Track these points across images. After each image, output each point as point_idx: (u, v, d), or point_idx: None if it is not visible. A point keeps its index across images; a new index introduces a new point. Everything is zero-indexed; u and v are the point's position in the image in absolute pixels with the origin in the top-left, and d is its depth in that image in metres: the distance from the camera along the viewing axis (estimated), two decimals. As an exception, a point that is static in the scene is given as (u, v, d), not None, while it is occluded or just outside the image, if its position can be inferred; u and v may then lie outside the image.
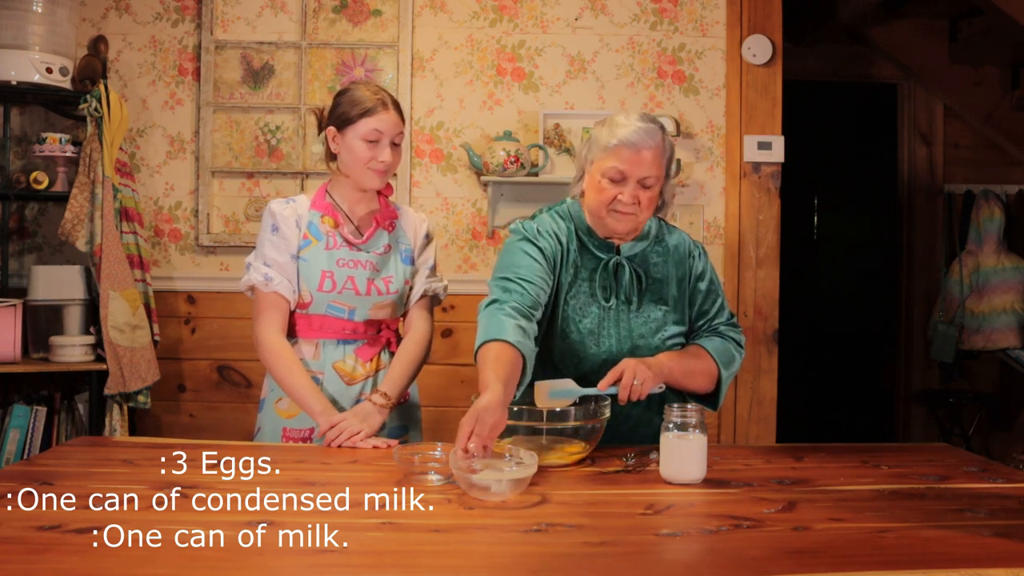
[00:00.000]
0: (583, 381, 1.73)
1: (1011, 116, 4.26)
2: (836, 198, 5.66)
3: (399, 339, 2.02)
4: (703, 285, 1.90)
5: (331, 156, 1.96)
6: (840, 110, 5.18)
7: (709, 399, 1.88)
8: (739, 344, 1.89)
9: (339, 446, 1.76)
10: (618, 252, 1.84)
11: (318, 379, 1.90)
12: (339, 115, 1.91)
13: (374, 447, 1.77)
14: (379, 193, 2.01)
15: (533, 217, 1.90)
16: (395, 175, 3.20)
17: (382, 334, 1.98)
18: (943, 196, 4.38)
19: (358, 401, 1.90)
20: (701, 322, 1.90)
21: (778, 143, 3.21)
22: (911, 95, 4.40)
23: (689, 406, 1.51)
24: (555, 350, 1.81)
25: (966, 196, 4.30)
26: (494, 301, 1.70)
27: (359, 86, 1.94)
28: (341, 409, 1.87)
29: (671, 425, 1.49)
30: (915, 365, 4.47)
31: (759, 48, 3.21)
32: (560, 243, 1.82)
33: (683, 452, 1.49)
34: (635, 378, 1.64)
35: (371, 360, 1.95)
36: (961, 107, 4.33)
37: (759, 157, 3.21)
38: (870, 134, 5.08)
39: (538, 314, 1.73)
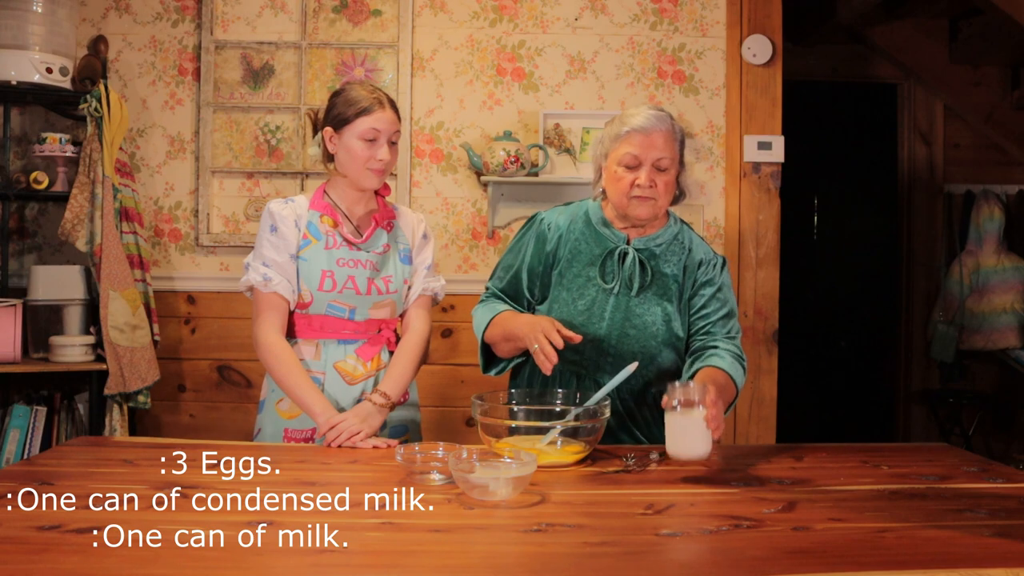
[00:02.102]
0: (566, 361, 1.80)
1: (1011, 116, 4.27)
2: (836, 198, 5.65)
3: (398, 338, 2.02)
4: (709, 290, 1.89)
5: (328, 157, 1.96)
6: (840, 110, 5.17)
7: None
8: (742, 358, 1.87)
9: (339, 446, 1.77)
10: (628, 243, 1.88)
11: (319, 379, 1.90)
12: (335, 115, 1.91)
13: (374, 447, 1.77)
14: (377, 193, 2.01)
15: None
16: (395, 175, 3.20)
17: (382, 333, 1.98)
18: (943, 196, 4.38)
19: (360, 401, 1.90)
20: (702, 324, 1.88)
21: (778, 143, 3.21)
22: (911, 95, 4.40)
23: (691, 383, 1.52)
24: None
25: (966, 196, 4.30)
26: (483, 301, 1.97)
27: (354, 86, 1.94)
28: (342, 409, 1.87)
29: (676, 403, 1.50)
30: (915, 365, 4.47)
31: (759, 48, 3.21)
32: (559, 231, 1.92)
33: (690, 429, 1.49)
34: (720, 417, 1.53)
35: (372, 359, 1.95)
36: (961, 107, 4.33)
37: (759, 157, 3.21)
38: (870, 134, 5.08)
39: (518, 298, 1.95)
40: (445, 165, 3.25)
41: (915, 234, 4.45)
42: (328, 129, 1.93)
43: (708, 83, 3.27)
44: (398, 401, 1.93)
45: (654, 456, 1.64)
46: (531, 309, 1.94)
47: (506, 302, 1.94)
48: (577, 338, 1.70)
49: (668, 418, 1.51)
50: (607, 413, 1.64)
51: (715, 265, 1.92)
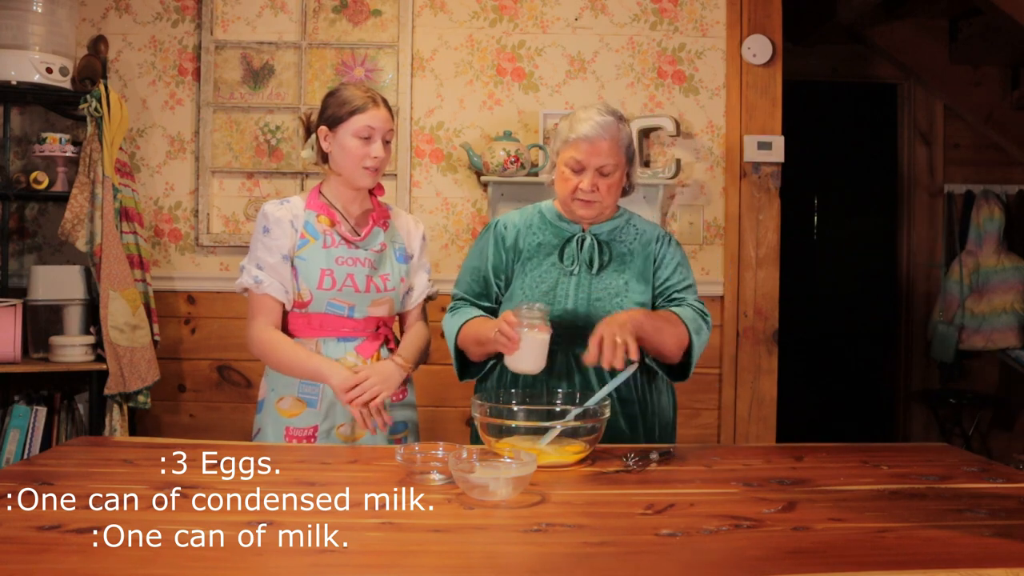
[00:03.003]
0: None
1: (1011, 116, 4.26)
2: (836, 198, 5.66)
3: (395, 338, 2.04)
4: (670, 264, 1.97)
5: (323, 157, 1.98)
6: (840, 110, 5.18)
7: (678, 370, 1.90)
8: (705, 315, 1.91)
9: (363, 405, 1.82)
10: (584, 231, 1.97)
11: None
12: (330, 115, 1.93)
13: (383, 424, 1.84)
14: (371, 193, 2.03)
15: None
16: (395, 175, 3.20)
17: (380, 331, 1.99)
18: (943, 196, 4.38)
19: None
20: (665, 295, 1.94)
21: (778, 143, 3.21)
22: (911, 95, 4.40)
23: (537, 305, 1.71)
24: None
25: (966, 196, 4.30)
26: (452, 308, 1.99)
27: (348, 86, 1.97)
28: (343, 409, 1.89)
29: (524, 322, 1.68)
30: (915, 365, 4.47)
31: (759, 48, 3.21)
32: (516, 228, 1.99)
33: (523, 346, 1.68)
34: (616, 338, 1.67)
35: (371, 356, 1.96)
36: (961, 107, 4.33)
37: (759, 157, 3.20)
38: (870, 134, 5.08)
39: (486, 300, 1.98)
40: (445, 165, 3.25)
41: (915, 234, 4.45)
42: (323, 128, 1.95)
43: (708, 83, 3.27)
44: (414, 368, 1.99)
45: (654, 456, 1.64)
46: (499, 303, 1.98)
47: (476, 306, 1.97)
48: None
49: (522, 335, 1.70)
50: (607, 413, 1.64)
51: (668, 241, 2.01)
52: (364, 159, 1.91)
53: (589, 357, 1.67)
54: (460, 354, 1.94)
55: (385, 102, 1.95)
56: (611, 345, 1.65)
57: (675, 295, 1.94)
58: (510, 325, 1.70)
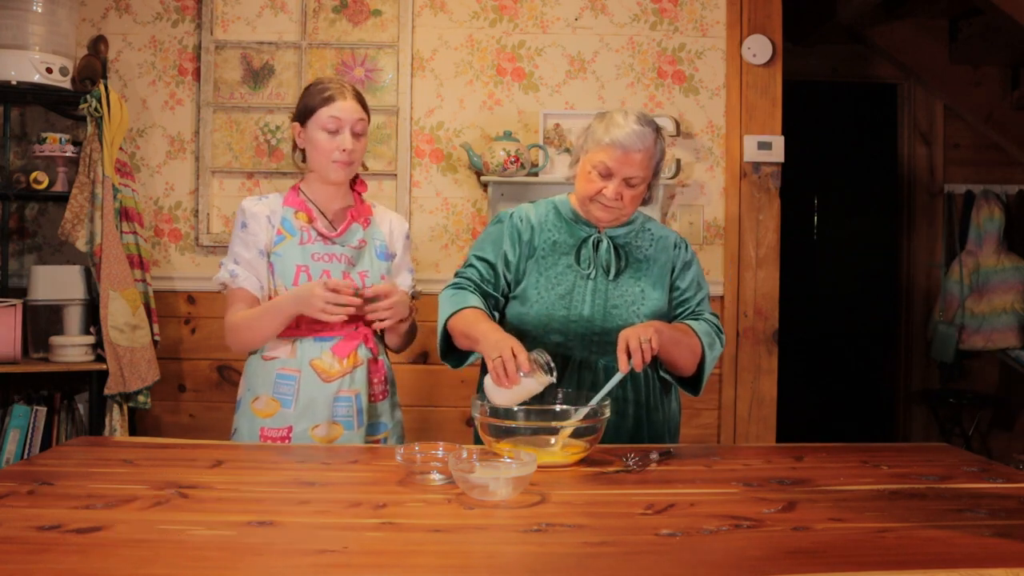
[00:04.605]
0: (550, 345, 1.83)
1: (1011, 116, 4.27)
2: (836, 198, 5.66)
3: (376, 335, 2.00)
4: (689, 274, 1.97)
5: (303, 155, 1.98)
6: (840, 110, 5.18)
7: (690, 383, 1.91)
8: (720, 330, 1.93)
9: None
10: (600, 231, 1.95)
11: (294, 377, 1.90)
12: (300, 110, 1.94)
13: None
14: (354, 190, 2.02)
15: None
16: (395, 175, 3.20)
17: (358, 330, 1.95)
18: (943, 196, 4.38)
19: (335, 399, 1.90)
20: (681, 310, 1.95)
21: (778, 143, 3.21)
22: (911, 95, 4.40)
23: (550, 362, 1.63)
24: (527, 316, 1.88)
25: (966, 196, 4.31)
26: (456, 285, 1.91)
27: (320, 79, 1.97)
28: (319, 409, 1.89)
29: (531, 366, 1.62)
30: (915, 365, 4.47)
31: (759, 48, 3.21)
32: (531, 223, 1.94)
33: (524, 392, 1.64)
34: (640, 339, 1.67)
35: (348, 356, 1.92)
36: (961, 107, 4.33)
37: (759, 157, 3.21)
38: (870, 134, 5.08)
39: (492, 289, 1.91)
40: (445, 165, 3.25)
41: (915, 234, 4.45)
42: (296, 125, 1.95)
43: (708, 83, 3.27)
44: (404, 315, 1.98)
45: (654, 456, 1.64)
46: (506, 299, 1.94)
47: (480, 289, 1.90)
48: (525, 367, 1.65)
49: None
50: (607, 413, 1.64)
51: (686, 248, 2.00)
52: (332, 152, 1.89)
53: (621, 366, 1.67)
54: (446, 335, 1.88)
55: (356, 94, 1.93)
56: (636, 348, 1.66)
57: (693, 308, 1.94)
58: (519, 366, 1.62)
